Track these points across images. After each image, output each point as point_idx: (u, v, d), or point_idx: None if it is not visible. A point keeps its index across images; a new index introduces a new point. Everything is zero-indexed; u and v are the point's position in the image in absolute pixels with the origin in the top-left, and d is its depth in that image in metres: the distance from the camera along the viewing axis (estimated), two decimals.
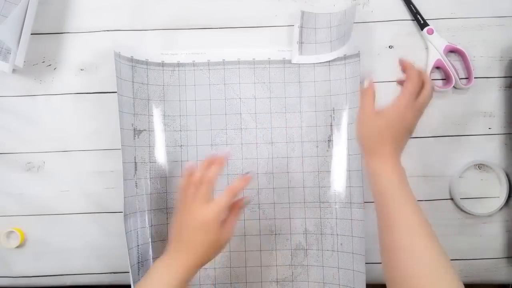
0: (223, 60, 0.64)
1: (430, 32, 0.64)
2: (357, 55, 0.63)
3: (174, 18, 0.65)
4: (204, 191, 0.53)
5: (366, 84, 0.55)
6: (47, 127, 0.64)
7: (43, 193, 0.64)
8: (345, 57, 0.63)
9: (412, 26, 0.65)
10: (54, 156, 0.64)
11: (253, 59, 0.64)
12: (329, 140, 0.63)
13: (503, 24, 0.65)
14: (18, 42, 0.60)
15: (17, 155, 0.64)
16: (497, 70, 0.65)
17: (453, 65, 0.64)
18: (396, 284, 0.45)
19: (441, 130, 0.64)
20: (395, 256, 0.46)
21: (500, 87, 0.65)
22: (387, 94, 0.64)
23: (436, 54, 0.63)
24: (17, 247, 0.62)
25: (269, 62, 0.64)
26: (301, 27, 0.63)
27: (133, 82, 0.62)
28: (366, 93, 0.54)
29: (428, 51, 0.64)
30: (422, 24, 0.64)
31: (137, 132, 0.62)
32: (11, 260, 0.63)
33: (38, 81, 0.64)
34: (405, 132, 0.52)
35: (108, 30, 0.65)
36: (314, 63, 0.64)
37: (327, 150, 0.64)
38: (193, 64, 0.64)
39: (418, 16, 0.64)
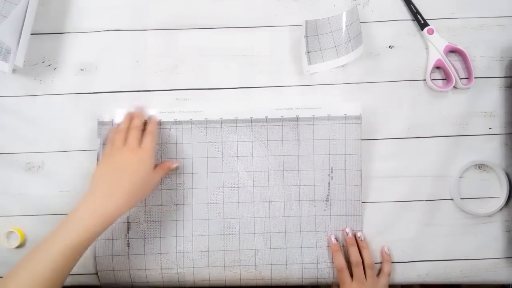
0: (221, 118, 0.63)
1: (430, 32, 0.64)
2: (358, 117, 0.62)
3: (174, 18, 0.65)
4: (134, 135, 0.58)
5: (332, 239, 0.62)
6: (47, 127, 0.64)
7: (43, 193, 0.64)
8: (345, 117, 0.63)
9: (412, 26, 0.65)
10: (54, 156, 0.64)
11: (251, 117, 0.63)
12: (327, 200, 0.63)
13: (503, 24, 0.65)
14: (18, 42, 0.60)
15: (17, 155, 0.64)
16: (497, 70, 0.65)
17: (454, 65, 0.64)
18: None
19: (441, 130, 0.64)
20: None
21: (500, 87, 0.65)
22: (387, 95, 0.65)
23: (436, 54, 0.63)
24: (17, 247, 0.62)
25: (267, 120, 0.63)
26: (306, 36, 0.62)
27: None
28: (341, 269, 0.60)
29: (428, 51, 0.64)
30: (422, 24, 0.64)
31: None
32: (11, 260, 0.63)
33: (38, 81, 0.64)
34: None
35: (108, 30, 0.65)
36: (312, 119, 0.63)
37: (325, 210, 0.63)
38: (191, 122, 0.63)
39: (418, 16, 0.64)
